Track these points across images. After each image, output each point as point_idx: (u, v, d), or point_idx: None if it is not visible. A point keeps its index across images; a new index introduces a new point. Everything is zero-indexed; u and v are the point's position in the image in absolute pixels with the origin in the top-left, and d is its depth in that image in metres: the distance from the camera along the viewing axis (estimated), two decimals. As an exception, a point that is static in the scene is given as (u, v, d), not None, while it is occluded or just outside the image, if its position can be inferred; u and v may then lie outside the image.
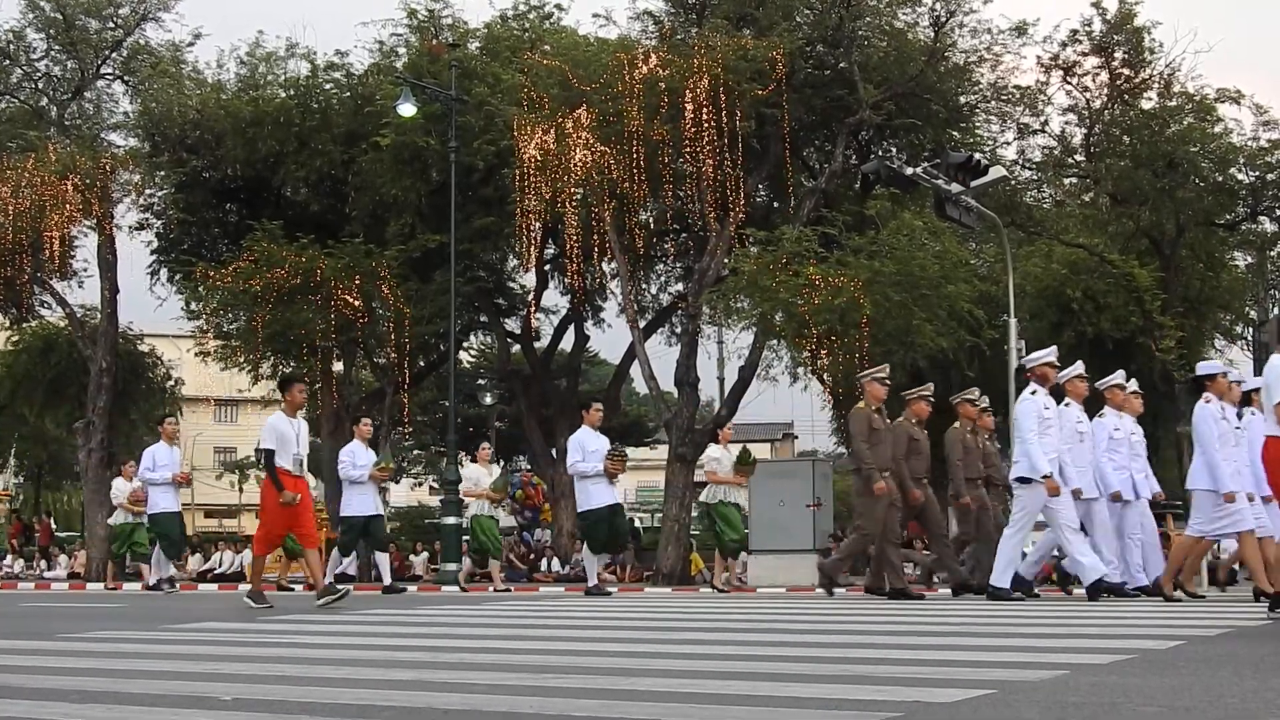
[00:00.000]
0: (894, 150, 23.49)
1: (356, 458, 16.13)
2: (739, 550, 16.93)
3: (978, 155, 19.28)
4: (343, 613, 10.57)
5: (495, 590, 17.37)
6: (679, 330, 25.02)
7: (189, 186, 25.01)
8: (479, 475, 17.58)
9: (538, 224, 21.72)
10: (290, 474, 11.43)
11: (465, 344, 32.90)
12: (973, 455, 13.27)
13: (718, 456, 16.27)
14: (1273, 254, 24.35)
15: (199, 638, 7.74)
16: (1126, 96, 22.46)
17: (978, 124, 23.65)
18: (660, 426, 26.03)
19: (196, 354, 25.33)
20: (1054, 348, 12.79)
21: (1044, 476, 11.28)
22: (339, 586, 12.36)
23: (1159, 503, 13.86)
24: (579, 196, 20.88)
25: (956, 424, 13.52)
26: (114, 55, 25.87)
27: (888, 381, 13.08)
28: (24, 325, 28.56)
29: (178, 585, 18.61)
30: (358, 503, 16.07)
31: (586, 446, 14.78)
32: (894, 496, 12.52)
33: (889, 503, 12.49)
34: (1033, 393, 11.72)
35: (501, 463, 18.50)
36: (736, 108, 19.74)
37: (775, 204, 24.27)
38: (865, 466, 12.45)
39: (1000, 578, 11.53)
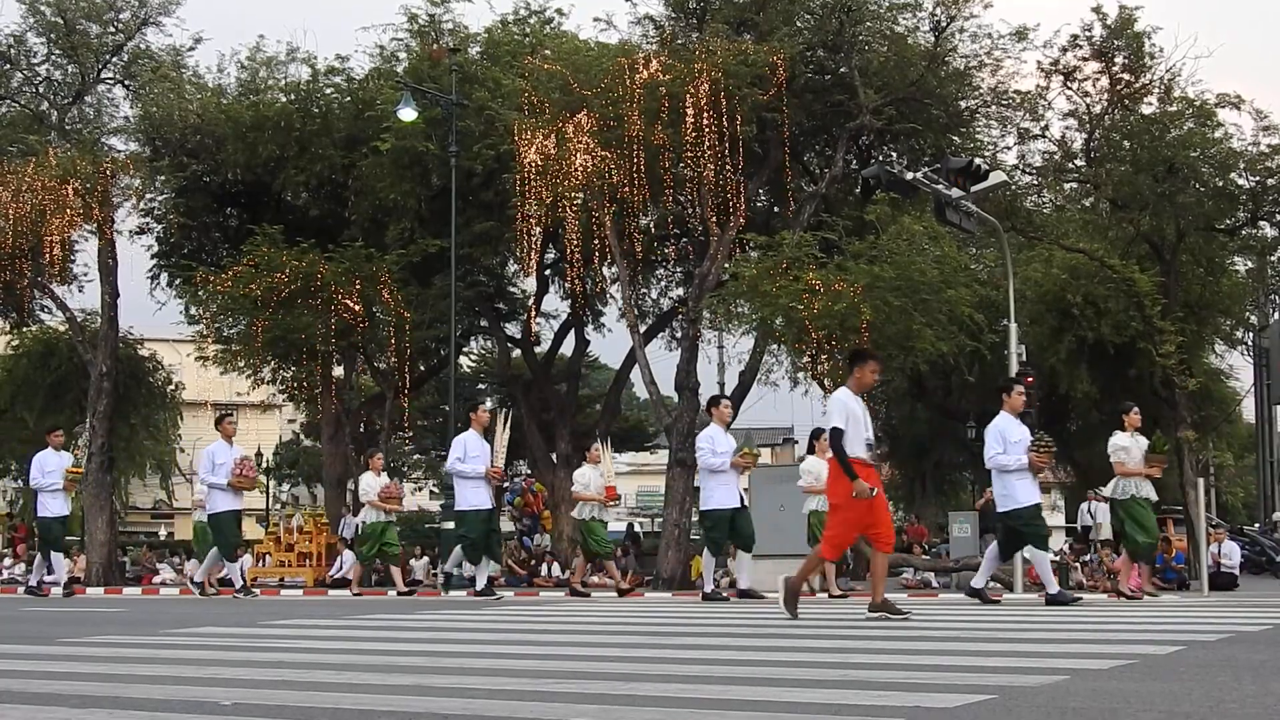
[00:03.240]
0: (894, 155, 23.52)
1: (716, 443, 13.66)
2: (1150, 553, 14.32)
3: (978, 160, 19.26)
4: (346, 618, 10.58)
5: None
6: (679, 335, 25.02)
7: (189, 191, 25.04)
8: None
9: (538, 229, 21.72)
10: (864, 462, 9.76)
11: (465, 349, 32.94)
12: None
13: (1125, 445, 14.01)
14: (1273, 259, 24.29)
15: (199, 643, 7.73)
16: (1127, 101, 22.43)
17: (978, 129, 23.67)
18: (660, 431, 26.03)
19: (196, 358, 25.34)
20: None
21: None
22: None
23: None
24: (579, 201, 20.88)
25: None
26: (115, 60, 25.86)
27: None
28: (24, 330, 28.58)
29: (497, 591, 16.07)
30: (721, 494, 13.59)
31: (1009, 437, 12.43)
32: None
33: None
34: None
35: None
36: (737, 112, 19.75)
37: (775, 209, 24.28)
38: None
39: None
